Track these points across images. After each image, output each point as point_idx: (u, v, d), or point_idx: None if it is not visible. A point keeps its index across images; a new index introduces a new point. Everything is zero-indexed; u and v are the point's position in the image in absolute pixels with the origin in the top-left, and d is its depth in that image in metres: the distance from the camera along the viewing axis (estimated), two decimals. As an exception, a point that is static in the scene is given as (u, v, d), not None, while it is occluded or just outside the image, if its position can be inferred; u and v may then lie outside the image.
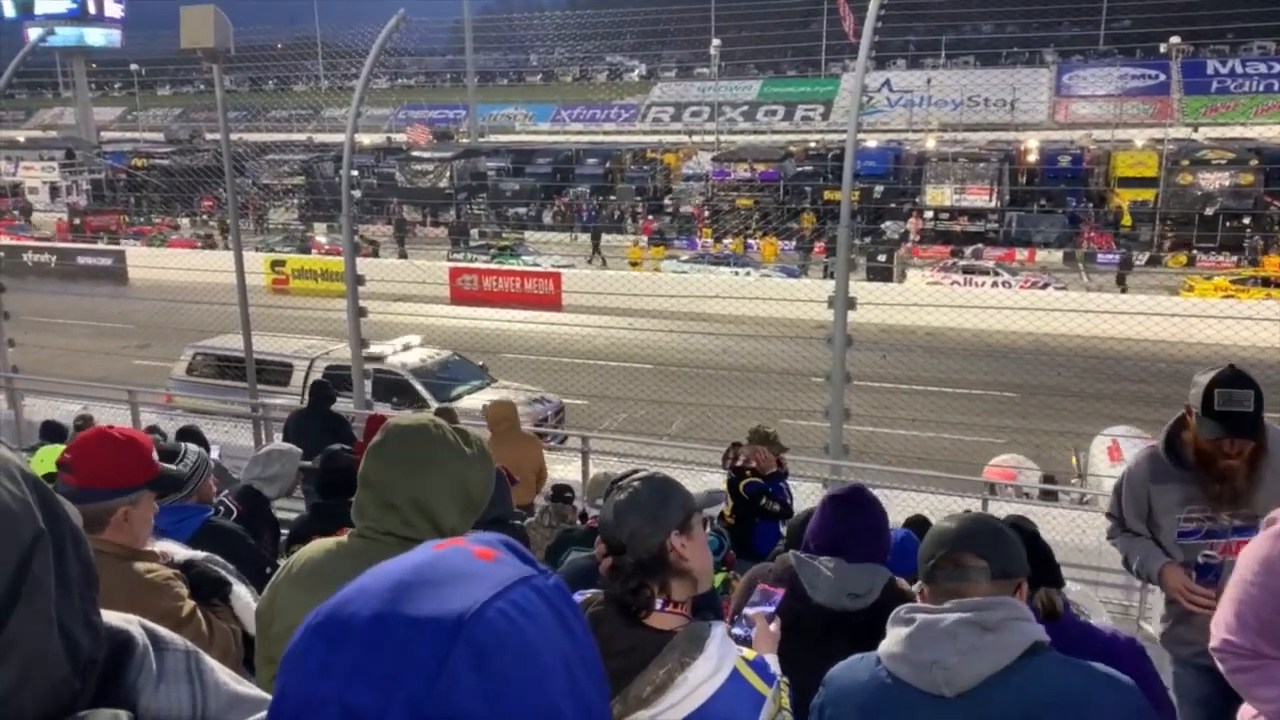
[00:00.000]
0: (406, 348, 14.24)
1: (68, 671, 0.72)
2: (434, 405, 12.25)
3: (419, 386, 13.24)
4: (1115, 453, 11.26)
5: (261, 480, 4.46)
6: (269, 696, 0.90)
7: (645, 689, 1.63)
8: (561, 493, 5.88)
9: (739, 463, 6.18)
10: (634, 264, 32.38)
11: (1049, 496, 9.97)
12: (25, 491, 0.71)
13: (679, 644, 1.67)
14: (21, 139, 58.81)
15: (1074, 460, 12.37)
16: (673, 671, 1.63)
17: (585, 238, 38.87)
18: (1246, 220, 33.41)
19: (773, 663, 2.01)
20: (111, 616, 0.82)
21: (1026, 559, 1.84)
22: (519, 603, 0.63)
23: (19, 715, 0.69)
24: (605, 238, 36.62)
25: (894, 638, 1.73)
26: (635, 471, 1.89)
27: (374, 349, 13.69)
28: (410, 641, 0.60)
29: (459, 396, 13.25)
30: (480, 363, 15.06)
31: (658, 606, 1.72)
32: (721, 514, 6.22)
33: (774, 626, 2.12)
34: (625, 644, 1.68)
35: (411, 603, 0.62)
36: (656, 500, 1.75)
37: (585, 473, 9.26)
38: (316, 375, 13.17)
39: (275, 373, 12.92)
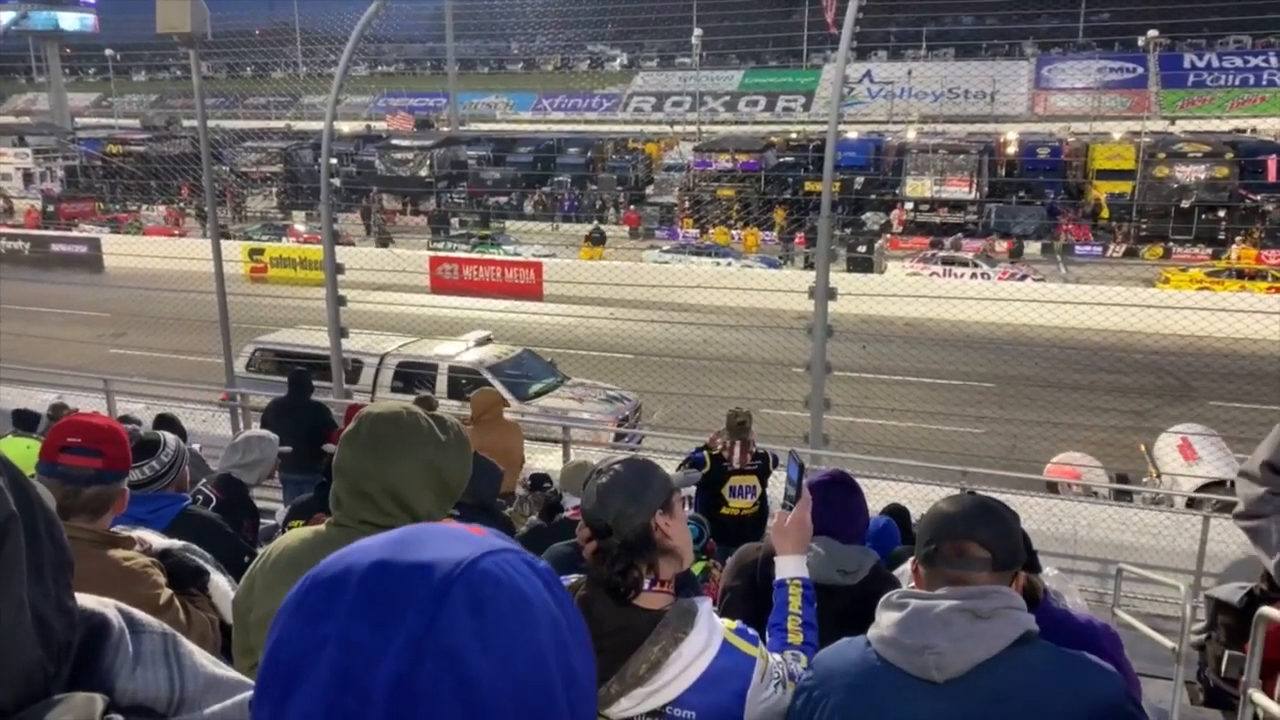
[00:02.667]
0: (479, 344, 13.81)
1: (40, 655, 0.72)
2: (514, 403, 11.79)
3: (498, 384, 12.34)
4: (1188, 451, 10.82)
5: (240, 467, 4.43)
6: (247, 679, 0.90)
7: (641, 667, 1.65)
8: (540, 482, 5.89)
9: (754, 449, 6.40)
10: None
11: (1123, 496, 9.76)
12: (-3, 474, 0.70)
13: (671, 621, 1.70)
14: (-6, 124, 57.95)
15: (1145, 456, 11.92)
16: (667, 648, 1.66)
17: (566, 226, 38.83)
18: (1221, 213, 33.76)
19: (794, 567, 2.11)
20: (87, 600, 0.82)
21: (1025, 549, 1.84)
22: (511, 562, 0.66)
23: (-9, 698, 0.68)
24: (572, 228, 36.34)
25: (885, 621, 1.72)
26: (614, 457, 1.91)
27: (446, 345, 13.50)
28: (410, 583, 0.62)
29: (537, 394, 12.94)
30: (549, 359, 14.70)
31: (646, 586, 1.73)
32: (741, 511, 6.30)
33: (790, 520, 2.18)
34: (617, 624, 1.70)
35: (409, 553, 0.64)
36: (639, 481, 1.77)
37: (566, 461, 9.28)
38: (388, 372, 12.96)
39: (345, 371, 12.47)
